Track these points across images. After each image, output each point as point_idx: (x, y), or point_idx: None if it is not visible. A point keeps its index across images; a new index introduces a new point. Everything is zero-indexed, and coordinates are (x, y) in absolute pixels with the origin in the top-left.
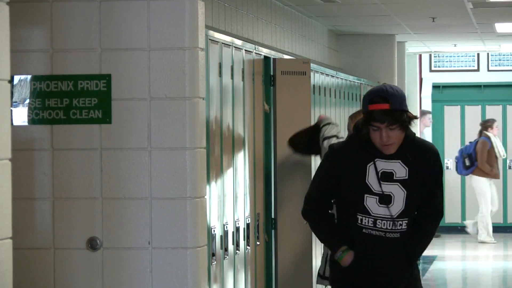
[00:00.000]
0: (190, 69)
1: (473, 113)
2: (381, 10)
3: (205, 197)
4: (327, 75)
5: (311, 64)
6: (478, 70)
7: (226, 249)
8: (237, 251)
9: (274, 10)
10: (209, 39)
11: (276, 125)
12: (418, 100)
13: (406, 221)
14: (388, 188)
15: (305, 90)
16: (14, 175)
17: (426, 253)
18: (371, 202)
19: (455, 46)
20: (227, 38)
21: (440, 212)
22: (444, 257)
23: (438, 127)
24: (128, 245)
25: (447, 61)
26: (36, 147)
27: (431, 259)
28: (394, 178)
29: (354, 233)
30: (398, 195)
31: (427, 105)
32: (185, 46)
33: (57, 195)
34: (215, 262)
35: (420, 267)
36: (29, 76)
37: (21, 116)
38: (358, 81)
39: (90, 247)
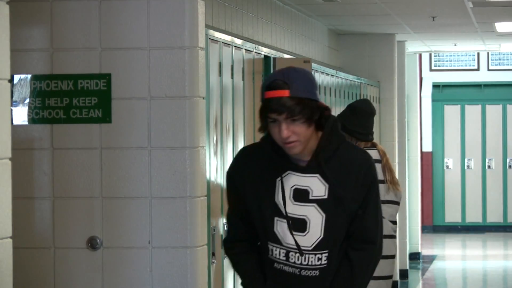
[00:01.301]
0: (190, 69)
1: (473, 113)
2: (381, 10)
3: (205, 196)
4: (327, 74)
5: (312, 64)
6: (478, 69)
7: None
8: None
9: (274, 10)
10: (209, 39)
11: None
12: (418, 99)
13: (327, 255)
14: (302, 210)
15: None
16: (14, 175)
17: (426, 252)
18: (282, 228)
19: (455, 45)
20: (227, 38)
21: (373, 243)
22: (444, 256)
23: (438, 127)
24: (128, 245)
25: (447, 61)
26: (36, 147)
27: (431, 259)
28: (310, 197)
29: (266, 268)
30: (315, 219)
31: (427, 105)
32: (185, 46)
33: (57, 194)
34: (215, 262)
35: (420, 266)
36: (29, 76)
37: (21, 115)
38: (358, 81)
39: (90, 246)
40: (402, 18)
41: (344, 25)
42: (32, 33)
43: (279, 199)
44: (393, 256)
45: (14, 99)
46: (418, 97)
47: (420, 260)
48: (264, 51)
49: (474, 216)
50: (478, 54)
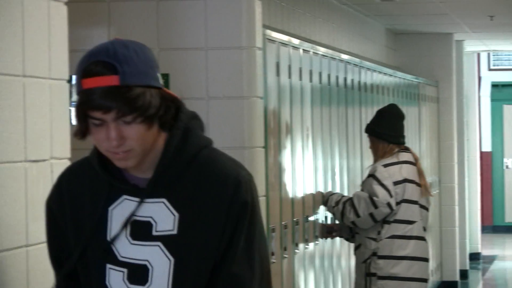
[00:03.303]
0: (248, 69)
1: None
2: (439, 9)
3: (264, 196)
4: (385, 74)
5: (368, 63)
6: None
7: (285, 249)
8: (296, 250)
9: (331, 9)
10: (267, 38)
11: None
12: (477, 99)
13: None
14: (142, 252)
15: None
16: None
17: (486, 252)
18: (115, 279)
19: None
20: (285, 37)
21: None
22: (504, 256)
23: (497, 126)
24: None
25: (506, 60)
26: None
27: (491, 259)
28: (154, 232)
29: None
30: (160, 266)
31: (486, 104)
32: (243, 46)
33: None
34: (275, 261)
35: (480, 266)
36: None
37: None
38: (416, 80)
39: None
40: (460, 17)
41: (401, 25)
42: (90, 33)
43: (111, 237)
44: (426, 259)
45: (73, 99)
46: (477, 96)
47: (480, 260)
48: (322, 51)
49: None
50: None
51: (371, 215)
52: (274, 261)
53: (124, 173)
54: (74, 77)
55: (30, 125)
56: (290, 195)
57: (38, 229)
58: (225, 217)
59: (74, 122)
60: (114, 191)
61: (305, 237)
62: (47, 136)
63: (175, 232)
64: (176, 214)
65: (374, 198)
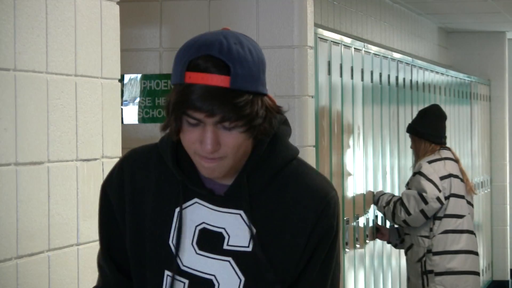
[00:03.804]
0: (299, 67)
1: None
2: (491, 7)
3: None
4: (437, 72)
5: (420, 62)
6: None
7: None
8: (346, 249)
9: (383, 8)
10: (318, 37)
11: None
12: None
13: None
14: (209, 265)
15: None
16: None
17: None
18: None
19: None
20: (336, 36)
21: None
22: None
23: None
24: None
25: None
26: None
27: None
28: (225, 246)
29: None
30: (228, 282)
31: None
32: (294, 44)
33: None
34: None
35: None
36: (139, 75)
37: (131, 114)
38: (469, 79)
39: None
40: None
41: (453, 23)
42: (142, 33)
43: (174, 241)
44: (477, 253)
45: (124, 98)
46: None
47: None
48: (373, 49)
49: None
50: None
51: (422, 211)
52: None
53: (200, 175)
54: (173, 66)
55: (82, 125)
56: (341, 195)
57: (89, 228)
58: (307, 238)
59: (125, 121)
60: (185, 191)
61: (355, 236)
62: (99, 136)
63: (249, 249)
64: (253, 229)
65: (423, 193)
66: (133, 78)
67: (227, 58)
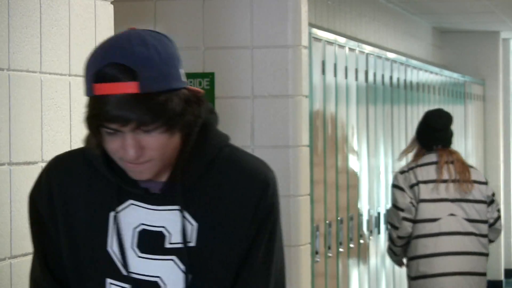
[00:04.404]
0: (293, 67)
1: None
2: (485, 7)
3: (308, 195)
4: (431, 72)
5: (414, 62)
6: None
7: (329, 247)
8: (340, 249)
9: (377, 8)
10: (312, 37)
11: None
12: None
13: None
14: (153, 267)
15: None
16: None
17: None
18: None
19: None
20: (330, 36)
21: None
22: None
23: None
24: None
25: None
26: None
27: None
28: (167, 245)
29: None
30: (174, 282)
31: None
32: (288, 44)
33: None
34: (319, 261)
35: None
36: None
37: None
38: (462, 79)
39: None
40: (506, 15)
41: (448, 23)
42: None
43: (113, 247)
44: (463, 253)
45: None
46: None
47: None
48: (368, 49)
49: None
50: None
51: (405, 218)
52: (318, 260)
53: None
54: (84, 77)
55: (76, 124)
56: (335, 194)
57: None
58: (250, 223)
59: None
60: (119, 193)
61: (349, 236)
62: None
63: (192, 244)
64: (195, 224)
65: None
66: None
67: (132, 63)
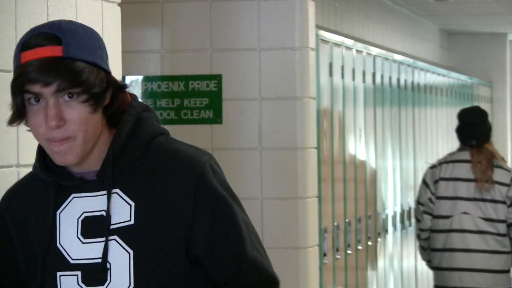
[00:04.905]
0: (301, 69)
1: None
2: (492, 9)
3: (316, 197)
4: (439, 74)
5: (421, 64)
6: None
7: (337, 249)
8: (348, 251)
9: (384, 10)
10: (320, 39)
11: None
12: None
13: None
14: (96, 250)
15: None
16: None
17: None
18: (68, 285)
19: None
20: (338, 38)
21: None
22: None
23: None
24: None
25: None
26: None
27: None
28: (109, 226)
29: None
30: (118, 260)
31: None
32: (296, 46)
33: None
34: (327, 262)
35: None
36: (140, 77)
37: None
38: (470, 81)
39: None
40: None
41: (455, 25)
42: (143, 34)
43: (61, 242)
44: (468, 250)
45: None
46: None
47: None
48: (375, 51)
49: None
50: None
51: (425, 212)
52: (326, 262)
53: (70, 170)
54: (14, 53)
55: None
56: (342, 196)
57: None
58: (192, 212)
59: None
60: (62, 192)
61: (357, 238)
62: None
63: (132, 222)
64: (132, 203)
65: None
66: (134, 80)
67: (57, 32)
